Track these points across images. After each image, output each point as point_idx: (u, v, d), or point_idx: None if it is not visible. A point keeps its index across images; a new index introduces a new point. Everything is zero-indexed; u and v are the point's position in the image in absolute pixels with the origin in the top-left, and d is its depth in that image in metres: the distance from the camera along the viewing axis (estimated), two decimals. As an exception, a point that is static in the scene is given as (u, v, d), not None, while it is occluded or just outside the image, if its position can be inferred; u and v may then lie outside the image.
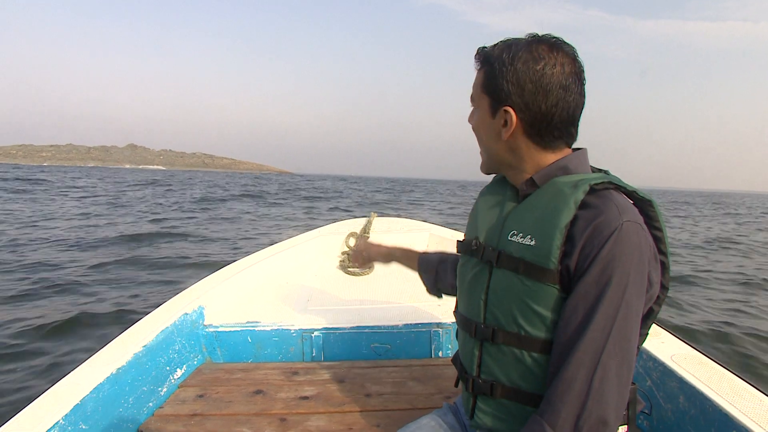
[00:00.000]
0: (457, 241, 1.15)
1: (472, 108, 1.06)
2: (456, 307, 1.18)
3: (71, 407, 1.28)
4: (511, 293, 0.95)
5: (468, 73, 1.06)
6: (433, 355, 2.01)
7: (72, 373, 1.44)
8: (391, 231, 3.39)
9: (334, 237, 3.21)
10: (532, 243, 0.92)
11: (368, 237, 3.18)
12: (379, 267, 2.85)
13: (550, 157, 0.98)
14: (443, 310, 2.15)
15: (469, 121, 1.07)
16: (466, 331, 1.08)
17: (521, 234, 0.95)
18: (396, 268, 2.81)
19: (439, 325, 2.04)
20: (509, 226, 0.98)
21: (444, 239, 3.19)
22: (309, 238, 3.22)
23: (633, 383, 0.96)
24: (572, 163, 0.98)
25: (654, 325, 1.66)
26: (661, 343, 1.53)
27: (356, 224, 3.46)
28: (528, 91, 0.93)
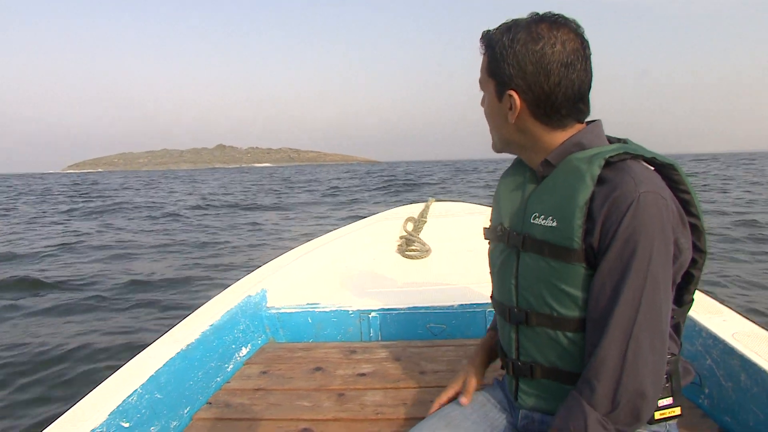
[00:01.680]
0: (483, 228, 1.19)
1: (482, 93, 1.07)
2: (492, 293, 1.22)
3: (147, 378, 1.45)
4: (539, 276, 0.98)
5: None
6: None
7: (147, 348, 1.63)
8: (449, 215, 3.45)
9: (393, 222, 3.34)
10: (554, 224, 0.94)
11: (425, 221, 3.28)
12: (436, 251, 2.95)
13: (561, 136, 0.99)
14: None
15: (481, 105, 1.09)
16: (501, 316, 1.12)
17: (543, 216, 0.97)
18: (454, 251, 2.88)
19: None
20: (531, 209, 1.01)
21: None
22: (368, 224, 3.37)
23: (675, 355, 0.97)
24: (586, 138, 0.98)
25: (715, 302, 1.62)
26: (722, 321, 1.49)
27: (414, 209, 3.55)
28: (529, 72, 0.95)
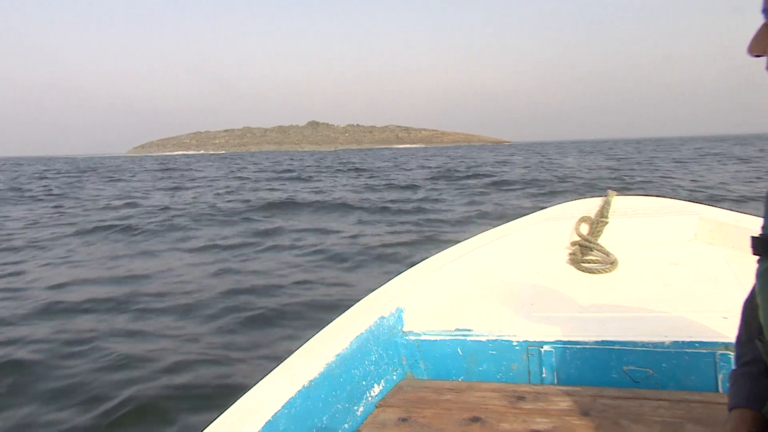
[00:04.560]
0: (752, 237, 1.08)
1: None
2: (760, 331, 1.10)
3: (263, 424, 1.46)
4: None
5: None
6: (720, 389, 1.87)
7: (261, 383, 1.65)
8: (639, 213, 3.26)
9: (561, 223, 3.21)
10: None
11: (606, 222, 3.13)
12: (626, 261, 2.79)
13: None
14: (734, 324, 1.99)
15: None
16: None
17: None
18: (650, 264, 2.73)
19: (728, 346, 1.87)
20: None
21: (723, 226, 2.91)
22: (528, 225, 3.27)
23: None
24: None
25: None
26: None
27: (589, 206, 3.40)
28: None
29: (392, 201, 17.09)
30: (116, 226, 12.72)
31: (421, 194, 19.09)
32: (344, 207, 15.81)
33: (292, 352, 1.84)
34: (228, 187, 25.61)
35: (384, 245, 9.50)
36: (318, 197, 18.60)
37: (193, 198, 19.91)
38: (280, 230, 11.87)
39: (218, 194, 21.21)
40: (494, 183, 21.90)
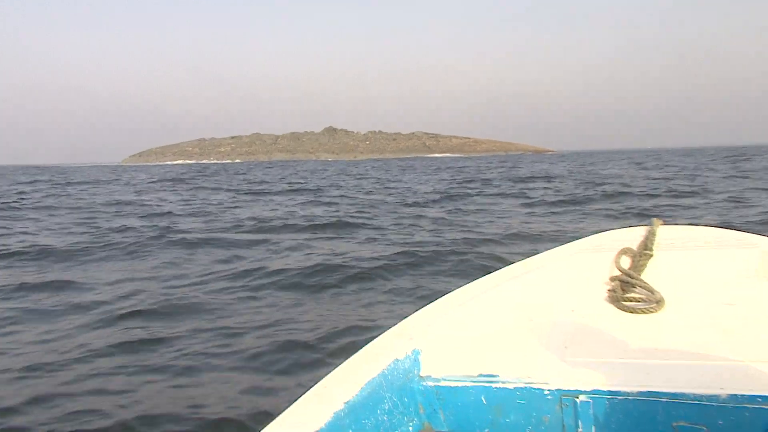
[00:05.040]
0: None
1: None
2: None
3: None
4: None
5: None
6: None
7: None
8: (689, 246, 3.30)
9: (599, 255, 3.26)
10: None
11: (651, 255, 3.16)
12: (673, 300, 2.78)
13: None
14: None
15: None
16: None
17: None
18: (702, 304, 2.76)
19: None
20: None
21: None
22: (561, 257, 3.36)
23: None
24: None
25: None
26: None
27: (631, 236, 3.42)
28: None
29: (393, 220, 16.45)
30: (48, 249, 11.97)
31: (430, 214, 18.25)
32: (332, 227, 15.08)
33: (296, 399, 1.90)
34: (208, 201, 25.60)
35: (352, 278, 8.53)
36: (306, 213, 18.33)
37: (158, 218, 19.19)
38: (237, 258, 10.90)
39: (191, 213, 20.55)
40: (523, 204, 20.89)
